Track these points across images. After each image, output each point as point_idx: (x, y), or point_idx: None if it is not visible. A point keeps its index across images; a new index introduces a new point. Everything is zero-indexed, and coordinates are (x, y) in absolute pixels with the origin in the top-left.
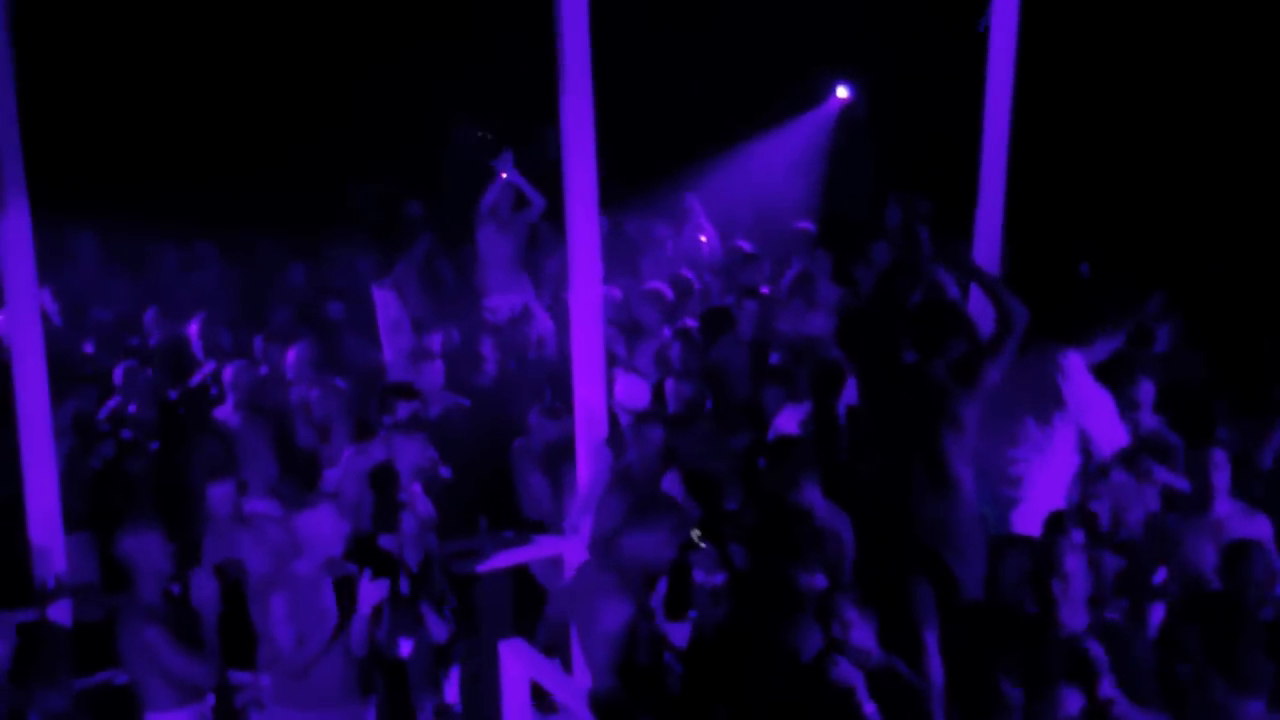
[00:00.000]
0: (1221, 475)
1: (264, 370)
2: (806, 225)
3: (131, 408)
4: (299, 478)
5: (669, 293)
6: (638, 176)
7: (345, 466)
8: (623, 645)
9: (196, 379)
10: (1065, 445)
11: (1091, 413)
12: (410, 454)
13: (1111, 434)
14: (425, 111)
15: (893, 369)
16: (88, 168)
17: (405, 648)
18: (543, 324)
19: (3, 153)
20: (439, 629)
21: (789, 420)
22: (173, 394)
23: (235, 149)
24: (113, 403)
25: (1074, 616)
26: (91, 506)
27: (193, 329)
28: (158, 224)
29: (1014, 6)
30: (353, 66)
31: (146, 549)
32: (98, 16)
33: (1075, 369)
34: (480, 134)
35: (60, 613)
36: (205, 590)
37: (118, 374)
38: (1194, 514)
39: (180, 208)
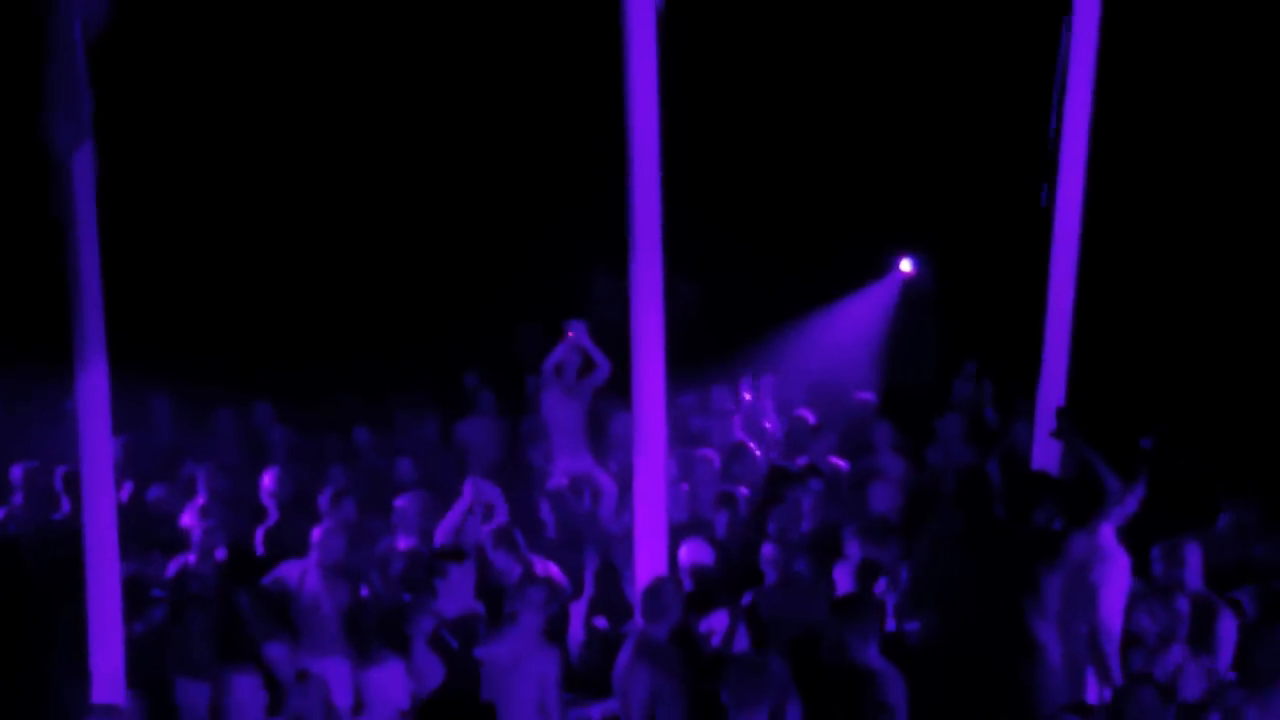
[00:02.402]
0: None
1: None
2: (867, 396)
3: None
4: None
5: (716, 460)
6: (699, 346)
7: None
8: None
9: (260, 537)
10: None
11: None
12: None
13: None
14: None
15: (973, 535)
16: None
17: None
18: (605, 488)
19: (86, 311)
20: None
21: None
22: (220, 552)
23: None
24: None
25: None
26: (141, 667)
27: (266, 482)
28: (221, 386)
29: (1079, 183)
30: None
31: (249, 689)
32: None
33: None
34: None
35: None
36: None
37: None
38: None
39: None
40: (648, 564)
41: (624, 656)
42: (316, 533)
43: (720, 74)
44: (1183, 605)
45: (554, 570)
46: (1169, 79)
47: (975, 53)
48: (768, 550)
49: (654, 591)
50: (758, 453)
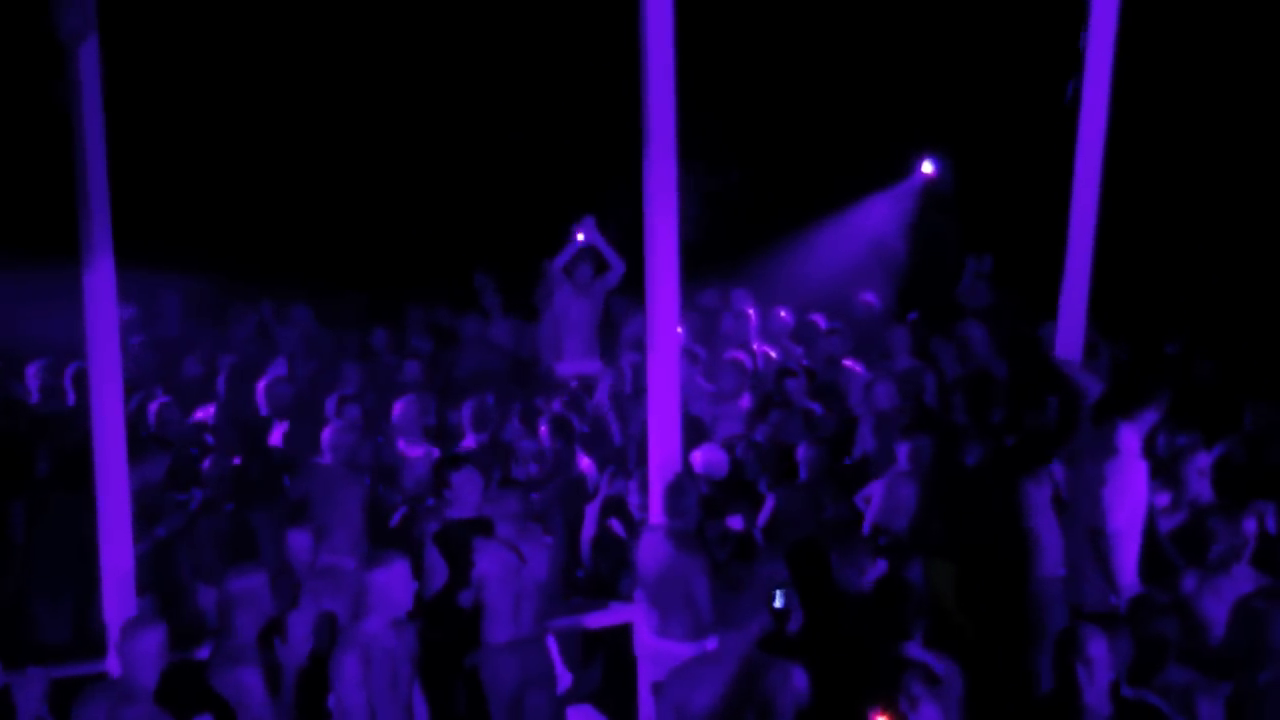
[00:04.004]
0: None
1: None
2: (870, 298)
3: (205, 464)
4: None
5: (749, 361)
6: (721, 249)
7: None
8: None
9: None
10: None
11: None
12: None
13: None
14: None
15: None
16: (174, 227)
17: None
18: (600, 396)
19: (92, 207)
20: None
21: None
22: (237, 459)
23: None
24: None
25: None
26: (156, 572)
27: (262, 386)
28: (242, 282)
29: (1105, 81)
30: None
31: (253, 589)
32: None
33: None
34: None
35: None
36: (293, 643)
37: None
38: None
39: (266, 267)
40: (661, 463)
41: (652, 550)
42: (326, 434)
43: None
44: (1249, 525)
45: (589, 465)
46: None
47: None
48: (802, 451)
49: (678, 489)
50: (775, 355)
